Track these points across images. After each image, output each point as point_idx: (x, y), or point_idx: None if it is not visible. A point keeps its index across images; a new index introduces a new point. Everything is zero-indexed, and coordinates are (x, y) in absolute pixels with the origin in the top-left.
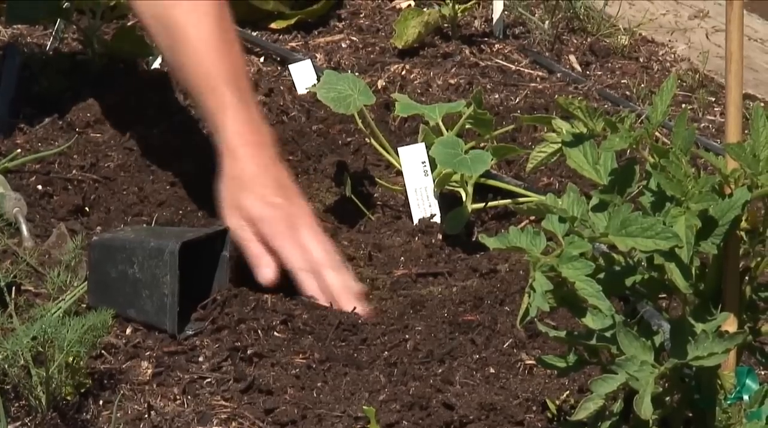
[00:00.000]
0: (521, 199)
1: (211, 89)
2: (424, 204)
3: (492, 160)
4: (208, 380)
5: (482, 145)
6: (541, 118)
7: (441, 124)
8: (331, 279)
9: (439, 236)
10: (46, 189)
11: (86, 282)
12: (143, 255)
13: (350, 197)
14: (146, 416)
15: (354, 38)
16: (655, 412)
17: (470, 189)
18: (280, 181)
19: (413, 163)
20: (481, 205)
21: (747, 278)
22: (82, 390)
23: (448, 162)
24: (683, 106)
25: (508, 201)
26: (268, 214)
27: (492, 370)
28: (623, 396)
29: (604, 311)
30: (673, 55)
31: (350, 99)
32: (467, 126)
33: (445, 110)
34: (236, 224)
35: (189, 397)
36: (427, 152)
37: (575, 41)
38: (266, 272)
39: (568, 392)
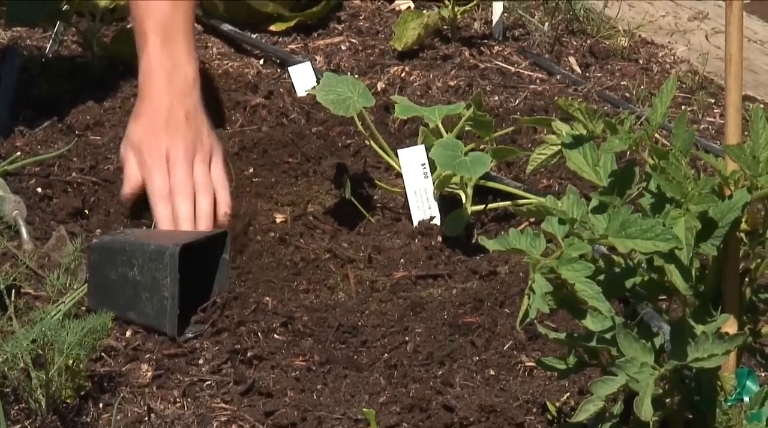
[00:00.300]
0: (521, 201)
1: (140, 33)
2: (423, 206)
3: (492, 161)
4: (208, 382)
5: (482, 146)
6: (541, 119)
7: (440, 126)
8: (180, 206)
9: (439, 238)
10: (45, 191)
11: (86, 285)
12: (143, 258)
13: (350, 199)
14: (146, 419)
15: (353, 40)
16: (655, 414)
17: (470, 191)
18: (176, 116)
19: (413, 165)
20: (481, 206)
21: (747, 279)
22: (82, 393)
23: (448, 164)
24: (683, 107)
25: (508, 202)
26: (146, 143)
27: (492, 372)
28: (623, 397)
29: (604, 313)
30: (672, 57)
31: (350, 101)
32: (467, 128)
33: (445, 112)
34: (122, 150)
35: (189, 400)
36: (427, 154)
37: (575, 43)
38: (124, 190)
39: (568, 394)
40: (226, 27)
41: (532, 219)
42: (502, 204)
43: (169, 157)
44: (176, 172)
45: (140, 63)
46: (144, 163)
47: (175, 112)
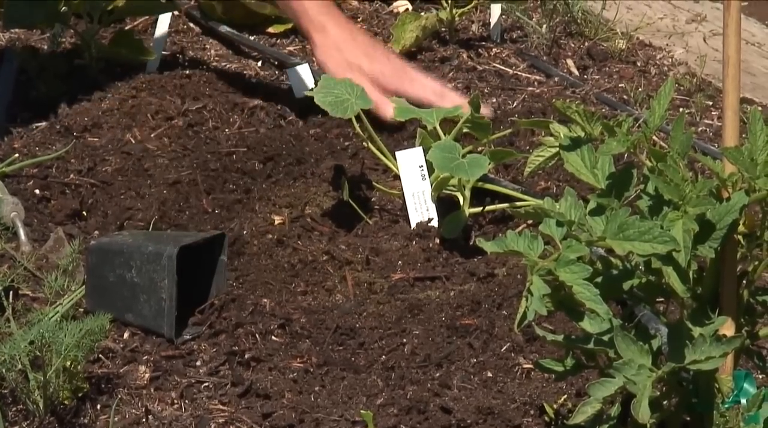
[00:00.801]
0: (519, 203)
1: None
2: (421, 208)
3: (489, 164)
4: (206, 384)
5: (480, 149)
6: (539, 121)
7: (438, 127)
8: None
9: (437, 240)
10: (43, 193)
11: (84, 287)
12: (141, 260)
13: (348, 201)
14: (144, 420)
15: None
16: (652, 416)
17: (468, 193)
18: (371, 44)
19: (411, 167)
20: (479, 209)
21: (744, 282)
22: (80, 395)
23: (446, 166)
24: (681, 110)
25: (506, 205)
26: (379, 69)
27: (489, 374)
28: (621, 399)
29: (601, 315)
30: (670, 59)
31: (347, 103)
32: (465, 130)
33: (443, 114)
34: (357, 78)
35: (186, 401)
36: (425, 156)
37: (573, 45)
38: (388, 109)
39: (565, 396)
40: (224, 29)
41: (529, 222)
42: (500, 206)
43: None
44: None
45: (301, 6)
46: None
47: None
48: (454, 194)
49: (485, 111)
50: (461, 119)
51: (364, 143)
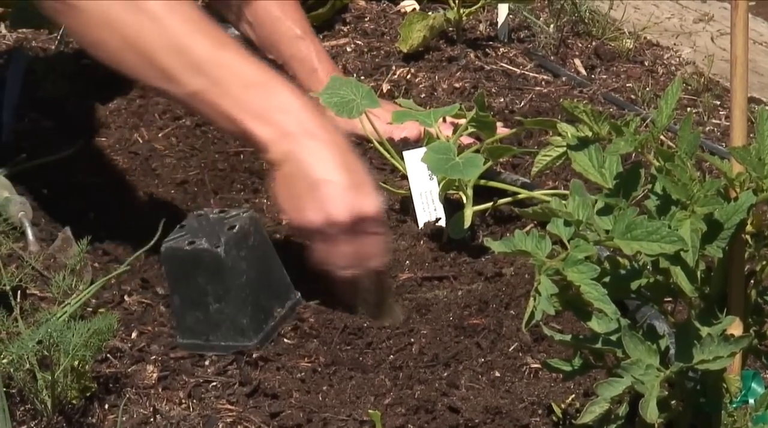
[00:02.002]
0: (521, 196)
1: None
2: (429, 208)
3: (487, 162)
4: (214, 384)
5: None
6: (545, 121)
7: (438, 128)
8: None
9: (445, 240)
10: (51, 193)
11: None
12: None
13: None
14: (152, 420)
15: (359, 42)
16: (660, 416)
17: (470, 192)
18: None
19: (418, 166)
20: (484, 207)
21: (752, 281)
22: (88, 394)
23: (440, 168)
24: (688, 109)
25: (509, 199)
26: None
27: (497, 374)
28: (629, 399)
29: (609, 314)
30: (678, 59)
31: (353, 104)
32: (470, 129)
33: (440, 114)
34: None
35: (194, 401)
36: None
37: (580, 45)
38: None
39: (573, 395)
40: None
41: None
42: (502, 201)
43: None
44: None
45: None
46: None
47: None
48: (459, 194)
49: (501, 130)
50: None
51: (370, 143)
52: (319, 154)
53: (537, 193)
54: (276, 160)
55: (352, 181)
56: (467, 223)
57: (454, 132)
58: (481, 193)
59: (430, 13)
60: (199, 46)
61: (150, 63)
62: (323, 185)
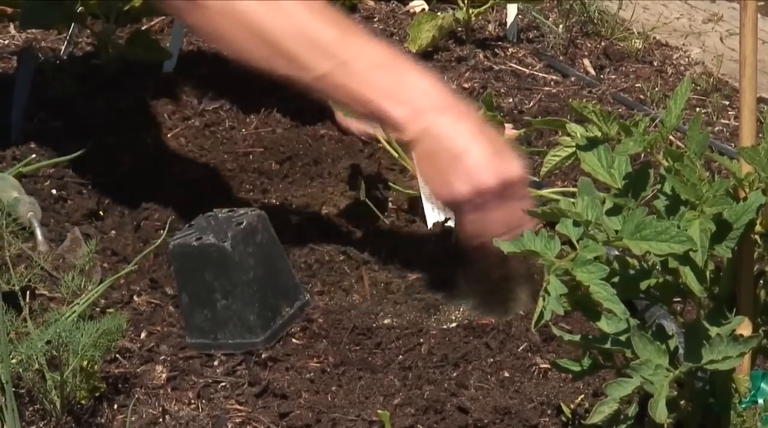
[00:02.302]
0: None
1: None
2: (438, 208)
3: None
4: (223, 384)
5: None
6: (553, 121)
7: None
8: None
9: (453, 240)
10: (60, 193)
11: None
12: None
13: (364, 201)
14: (161, 420)
15: None
16: (669, 416)
17: None
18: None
19: None
20: None
21: (761, 281)
22: (97, 395)
23: None
24: (697, 109)
25: None
26: None
27: (506, 374)
28: (638, 399)
29: (618, 315)
30: (687, 59)
31: None
32: None
33: None
34: None
35: (203, 401)
36: None
37: (589, 45)
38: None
39: (582, 396)
40: None
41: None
42: None
43: None
44: None
45: None
46: None
47: None
48: None
49: (511, 132)
50: None
51: (379, 143)
52: (456, 126)
53: (545, 192)
54: (413, 139)
55: (494, 148)
56: None
57: None
58: None
59: (439, 13)
60: (325, 32)
61: (278, 52)
62: (466, 156)
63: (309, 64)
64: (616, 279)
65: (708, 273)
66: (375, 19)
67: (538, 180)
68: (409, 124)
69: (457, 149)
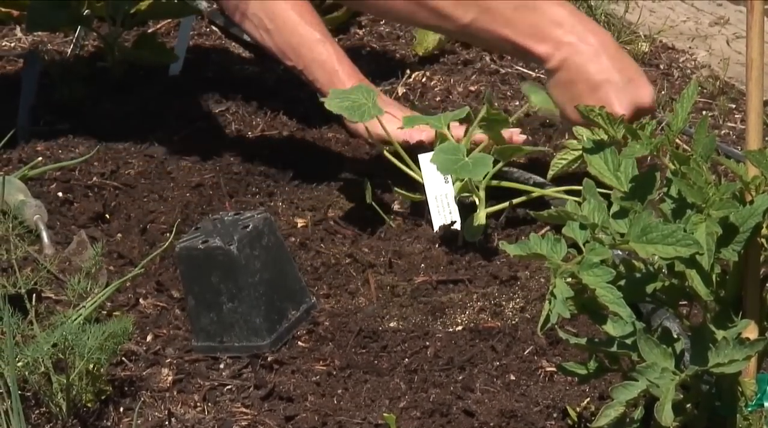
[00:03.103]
0: (535, 194)
1: None
2: (444, 211)
3: (498, 162)
4: (229, 387)
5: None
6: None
7: (447, 130)
8: None
9: (460, 243)
10: (66, 196)
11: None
12: None
13: (371, 204)
14: (167, 423)
15: (374, 45)
16: (675, 419)
17: (482, 193)
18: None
19: (433, 170)
20: (498, 207)
21: None
22: (103, 397)
23: (449, 168)
24: (704, 113)
25: (523, 198)
26: None
27: (512, 377)
28: (644, 403)
29: (624, 318)
30: (693, 62)
31: (364, 108)
32: (481, 129)
33: (450, 118)
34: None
35: (209, 404)
36: None
37: None
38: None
39: (588, 399)
40: (245, 37)
41: None
42: (517, 200)
43: None
44: None
45: None
46: None
47: None
48: (473, 196)
49: (519, 138)
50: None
51: (388, 146)
52: (595, 58)
53: (550, 191)
54: (554, 68)
55: (628, 77)
56: (480, 224)
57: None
58: (497, 196)
59: None
60: None
61: (422, 5)
62: (603, 86)
63: (454, 15)
64: (622, 283)
65: (714, 276)
66: (381, 22)
67: (541, 178)
68: (551, 57)
69: (594, 80)
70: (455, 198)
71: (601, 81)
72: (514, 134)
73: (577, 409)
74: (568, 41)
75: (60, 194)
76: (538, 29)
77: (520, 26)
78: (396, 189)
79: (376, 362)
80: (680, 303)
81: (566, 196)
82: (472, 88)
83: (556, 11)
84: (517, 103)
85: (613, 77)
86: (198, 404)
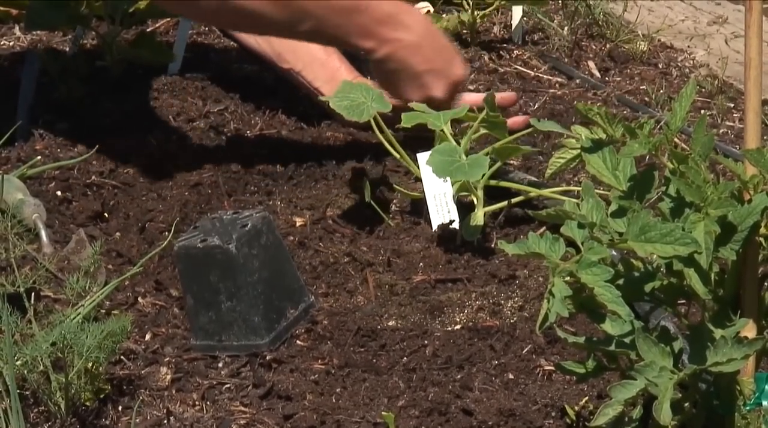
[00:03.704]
0: (533, 194)
1: None
2: (443, 210)
3: (495, 163)
4: (227, 386)
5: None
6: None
7: (446, 130)
8: None
9: (458, 242)
10: (65, 195)
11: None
12: None
13: (369, 203)
14: (165, 422)
15: None
16: (674, 418)
17: (480, 193)
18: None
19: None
20: (496, 207)
21: (766, 284)
22: (101, 396)
23: (445, 169)
24: (702, 112)
25: (521, 198)
26: None
27: (511, 376)
28: (642, 402)
29: (623, 317)
30: (692, 61)
31: (363, 106)
32: (482, 130)
33: (450, 116)
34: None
35: (208, 403)
36: None
37: (594, 47)
38: None
39: (587, 398)
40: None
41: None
42: (515, 200)
43: None
44: None
45: None
46: None
47: None
48: (472, 195)
49: (509, 96)
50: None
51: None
52: (416, 50)
53: (547, 192)
54: (380, 59)
55: (445, 60)
56: (479, 224)
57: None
58: (496, 195)
59: (444, 15)
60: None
61: (244, 14)
62: (424, 75)
63: (288, 23)
64: (620, 282)
65: (713, 275)
66: None
67: (538, 179)
68: (376, 51)
69: (415, 71)
70: (454, 197)
71: (422, 71)
72: (517, 120)
73: (576, 408)
74: (392, 37)
75: (59, 193)
76: (365, 29)
77: (350, 28)
78: (395, 186)
79: (374, 361)
80: (679, 302)
81: (563, 197)
82: (471, 87)
83: (382, 9)
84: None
85: (433, 66)
86: (197, 403)
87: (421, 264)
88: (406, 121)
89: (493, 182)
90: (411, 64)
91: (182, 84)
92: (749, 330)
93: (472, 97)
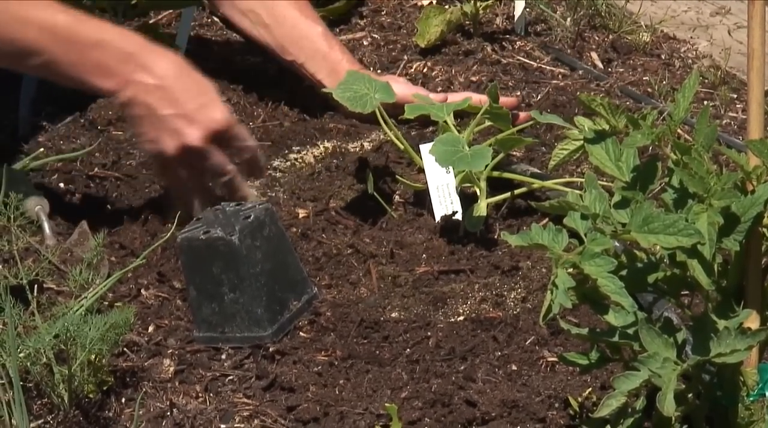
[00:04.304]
0: (536, 185)
1: None
2: (446, 201)
3: (498, 154)
4: (230, 377)
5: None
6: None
7: (449, 121)
8: None
9: (461, 233)
10: (68, 187)
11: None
12: None
13: (372, 194)
14: (168, 413)
15: (375, 36)
16: (677, 409)
17: (483, 184)
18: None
19: (434, 160)
20: (499, 198)
21: None
22: (105, 388)
23: (448, 160)
24: (705, 102)
25: (524, 189)
26: None
27: (514, 367)
28: (646, 393)
29: (626, 308)
30: (695, 52)
31: (367, 98)
32: (485, 122)
33: (452, 108)
34: None
35: (211, 395)
36: None
37: (597, 38)
38: None
39: (590, 389)
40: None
41: None
42: (518, 191)
43: None
44: None
45: None
46: None
47: None
48: (475, 186)
49: (510, 100)
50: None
51: (387, 136)
52: (161, 93)
53: (550, 183)
54: (124, 104)
55: (199, 104)
56: (482, 215)
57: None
58: (499, 187)
59: (446, 6)
60: (39, 24)
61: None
62: (172, 120)
63: (20, 57)
64: (623, 273)
65: (716, 266)
66: (383, 12)
67: (540, 171)
68: (118, 93)
69: (161, 115)
70: (457, 188)
71: (168, 116)
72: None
73: (579, 399)
74: (134, 79)
75: (61, 185)
76: (104, 67)
77: (87, 66)
78: (398, 177)
79: (377, 352)
80: (682, 293)
81: (566, 189)
82: (474, 79)
83: (125, 46)
84: (518, 93)
85: (182, 110)
86: (200, 394)
87: (424, 255)
88: (409, 112)
89: (496, 173)
90: (155, 108)
91: None
92: (752, 321)
93: (475, 97)
